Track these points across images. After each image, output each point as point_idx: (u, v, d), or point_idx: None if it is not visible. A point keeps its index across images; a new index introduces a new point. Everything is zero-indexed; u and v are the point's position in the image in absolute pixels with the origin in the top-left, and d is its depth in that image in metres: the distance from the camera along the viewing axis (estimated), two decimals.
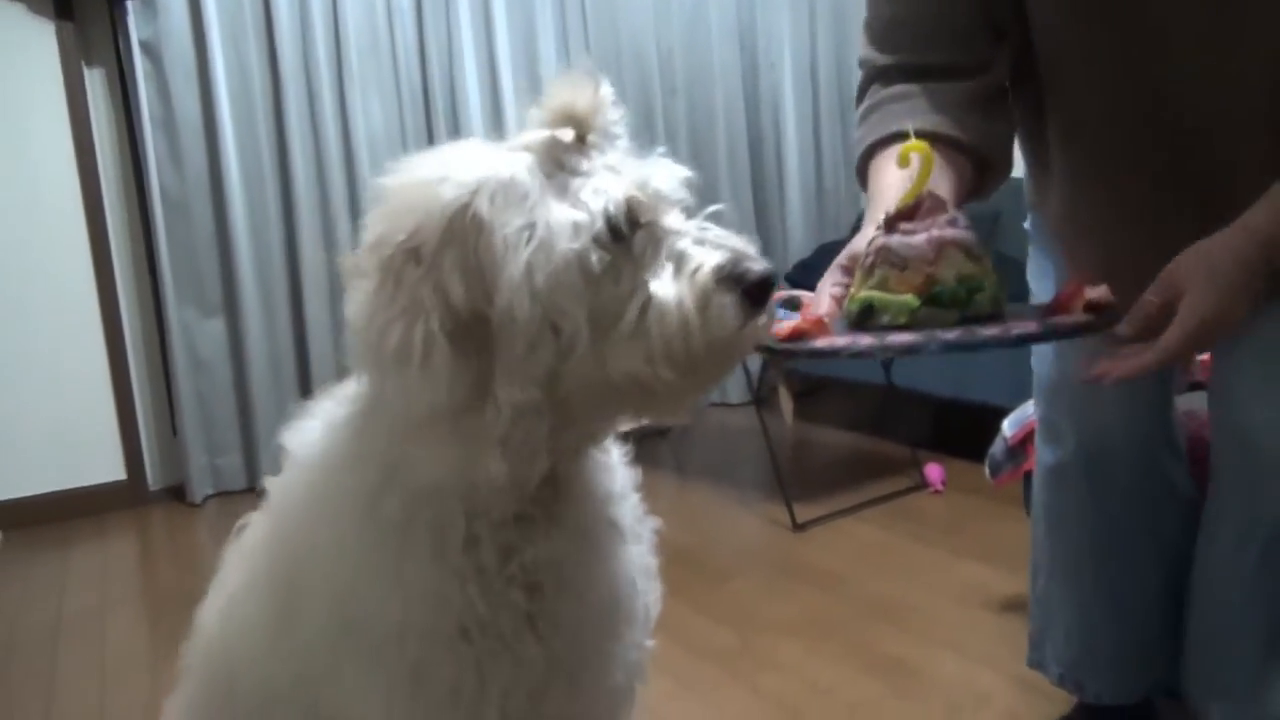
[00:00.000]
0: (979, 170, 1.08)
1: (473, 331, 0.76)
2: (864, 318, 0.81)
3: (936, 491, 2.86)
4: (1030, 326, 0.77)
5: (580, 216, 0.75)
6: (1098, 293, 0.81)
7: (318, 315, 3.47)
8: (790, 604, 2.23)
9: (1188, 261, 0.87)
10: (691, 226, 0.80)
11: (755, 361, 3.53)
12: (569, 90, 0.80)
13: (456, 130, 3.64)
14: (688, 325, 0.75)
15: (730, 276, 0.75)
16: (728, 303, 0.75)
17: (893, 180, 0.98)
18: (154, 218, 3.27)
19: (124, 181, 3.39)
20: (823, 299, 0.91)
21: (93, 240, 3.30)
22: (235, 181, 3.33)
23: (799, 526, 2.70)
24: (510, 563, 0.86)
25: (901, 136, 0.98)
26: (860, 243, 0.94)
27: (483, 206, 0.75)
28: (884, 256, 0.81)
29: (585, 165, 0.79)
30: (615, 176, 0.79)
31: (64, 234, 3.27)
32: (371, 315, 0.78)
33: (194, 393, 3.35)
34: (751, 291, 0.75)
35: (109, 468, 3.38)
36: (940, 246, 0.78)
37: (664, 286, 0.75)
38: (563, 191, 0.77)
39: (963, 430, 3.06)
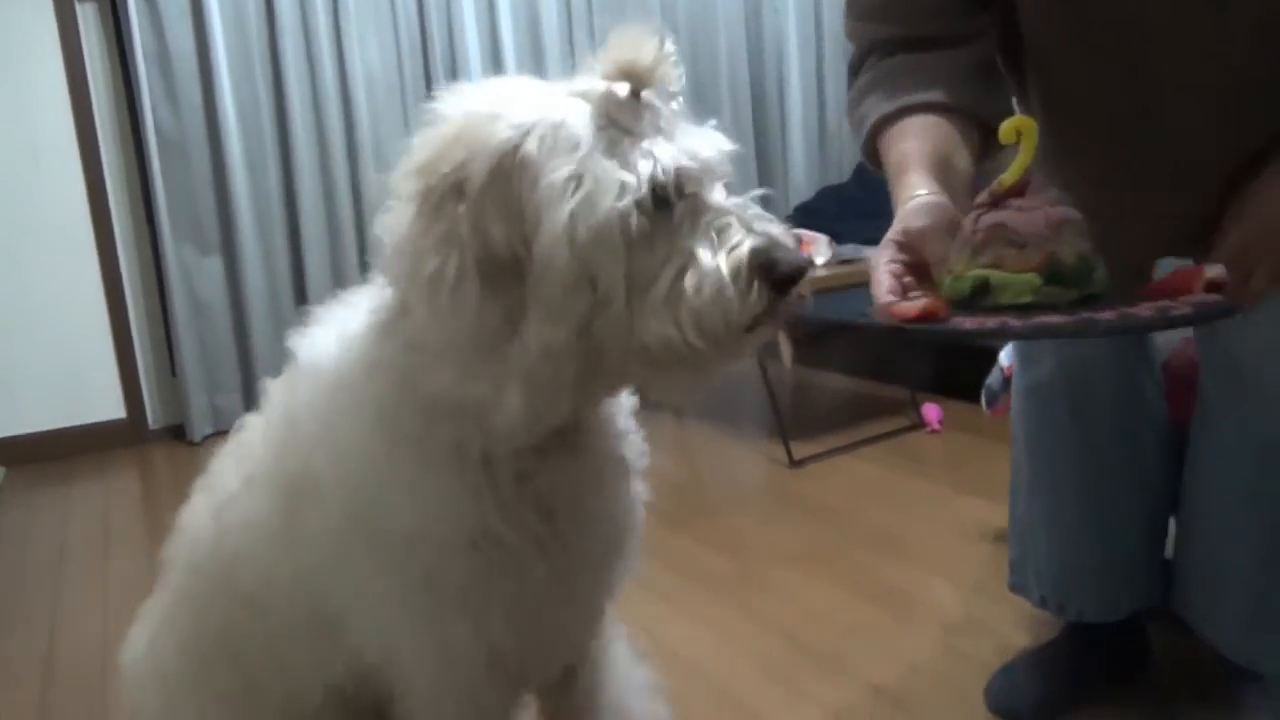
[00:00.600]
0: (984, 137, 1.06)
1: (507, 270, 0.77)
2: (978, 296, 0.79)
3: (934, 431, 2.87)
4: (1182, 309, 0.74)
5: (628, 177, 0.75)
6: (1216, 271, 0.79)
7: (316, 255, 3.46)
8: (787, 535, 2.25)
9: (1258, 218, 0.88)
10: (734, 204, 0.80)
11: None
12: (632, 44, 0.79)
13: (454, 72, 3.60)
14: (721, 298, 0.75)
15: (764, 264, 0.76)
16: (758, 286, 0.76)
17: (913, 151, 0.99)
18: (149, 156, 3.25)
19: (118, 119, 3.36)
20: (882, 278, 0.88)
21: (88, 178, 3.28)
22: (231, 120, 3.30)
23: (796, 463, 2.71)
24: (525, 485, 0.90)
25: (911, 110, 1.00)
26: (912, 220, 0.91)
27: (532, 149, 0.75)
28: (999, 234, 0.78)
29: (638, 124, 0.78)
30: (666, 142, 0.78)
31: (59, 172, 3.25)
32: (408, 239, 0.79)
33: (193, 332, 3.35)
34: (780, 281, 0.77)
35: (109, 406, 3.39)
36: (1059, 225, 0.77)
37: (703, 258, 0.76)
38: (613, 148, 0.77)
39: (961, 373, 3.06)
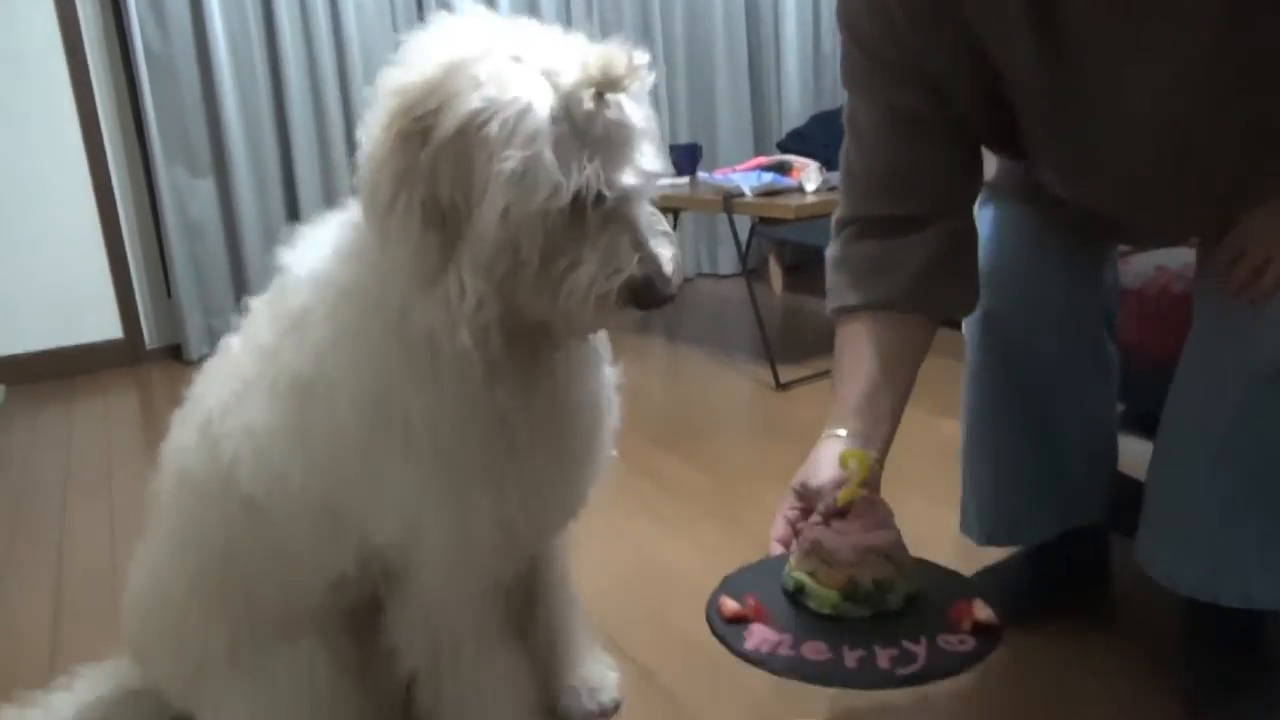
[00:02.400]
0: (946, 320, 1.20)
1: (446, 218, 0.89)
2: (797, 594, 0.94)
3: None
4: (918, 659, 0.85)
5: (560, 181, 0.86)
6: (985, 614, 0.89)
7: (308, 176, 3.46)
8: (771, 454, 2.32)
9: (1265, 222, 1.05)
10: (642, 222, 0.94)
11: (744, 234, 3.55)
12: (607, 60, 0.88)
13: None
14: (584, 306, 0.92)
15: (631, 294, 0.92)
16: (620, 306, 0.92)
17: (850, 373, 1.14)
18: (139, 77, 3.22)
19: (107, 41, 3.32)
20: (779, 523, 1.05)
21: (79, 100, 3.27)
22: (220, 40, 3.27)
23: (782, 386, 2.77)
24: (527, 374, 1.01)
25: (871, 307, 1.15)
26: (812, 475, 1.06)
27: (493, 130, 0.85)
28: (815, 549, 0.93)
29: (591, 126, 0.88)
30: (604, 160, 0.89)
31: (50, 94, 3.23)
32: (370, 163, 0.90)
33: (187, 253, 3.37)
34: (643, 304, 0.93)
35: (106, 326, 3.43)
36: (863, 553, 0.90)
37: (584, 271, 0.90)
38: (560, 146, 0.87)
39: None
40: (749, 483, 2.15)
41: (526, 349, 1.00)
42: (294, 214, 3.48)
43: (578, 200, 0.88)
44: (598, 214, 0.90)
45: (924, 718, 1.32)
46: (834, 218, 1.23)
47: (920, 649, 0.86)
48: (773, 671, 0.87)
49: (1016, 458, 1.45)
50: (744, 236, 3.49)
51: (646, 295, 0.93)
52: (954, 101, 1.12)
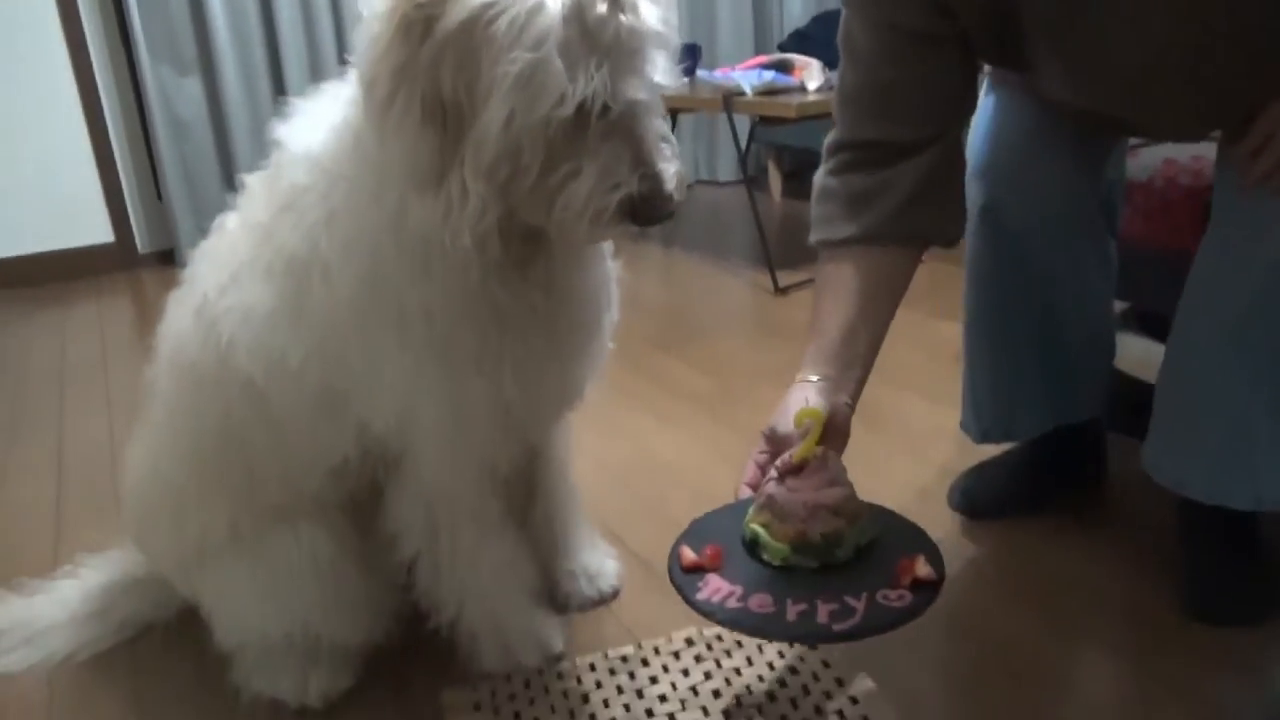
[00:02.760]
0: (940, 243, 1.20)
1: (447, 117, 0.85)
2: (754, 545, 0.98)
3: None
4: (855, 614, 0.89)
5: (567, 90, 0.82)
6: (926, 571, 0.92)
7: (297, 73, 3.37)
8: (768, 355, 2.32)
9: None
10: (647, 135, 0.90)
11: (744, 139, 3.49)
12: None
13: None
14: (580, 219, 0.89)
15: (630, 210, 0.89)
16: (617, 222, 0.89)
17: (830, 313, 1.13)
18: None
19: None
20: (749, 466, 1.06)
21: None
22: None
23: (781, 290, 2.76)
24: (526, 267, 0.99)
25: (855, 240, 1.14)
26: (782, 423, 1.06)
27: (501, 28, 0.81)
28: (769, 504, 0.97)
29: (602, 34, 0.84)
30: (612, 69, 0.85)
31: None
32: (369, 53, 0.86)
33: (176, 155, 3.31)
34: (640, 218, 0.90)
35: (98, 230, 3.38)
36: (813, 509, 0.93)
37: (583, 183, 0.87)
38: (568, 52, 0.83)
39: None
40: (747, 381, 2.16)
41: (525, 247, 0.98)
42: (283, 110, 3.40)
43: (582, 110, 0.84)
44: (601, 124, 0.87)
45: None
46: (825, 141, 1.20)
47: (859, 604, 0.90)
48: (719, 623, 0.91)
49: (1013, 351, 1.45)
50: (744, 141, 3.43)
51: (645, 212, 0.90)
52: (957, 16, 1.09)
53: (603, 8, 0.83)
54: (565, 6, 0.82)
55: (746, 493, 1.04)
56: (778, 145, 3.88)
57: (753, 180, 3.51)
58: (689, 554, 0.97)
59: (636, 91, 0.88)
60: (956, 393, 1.57)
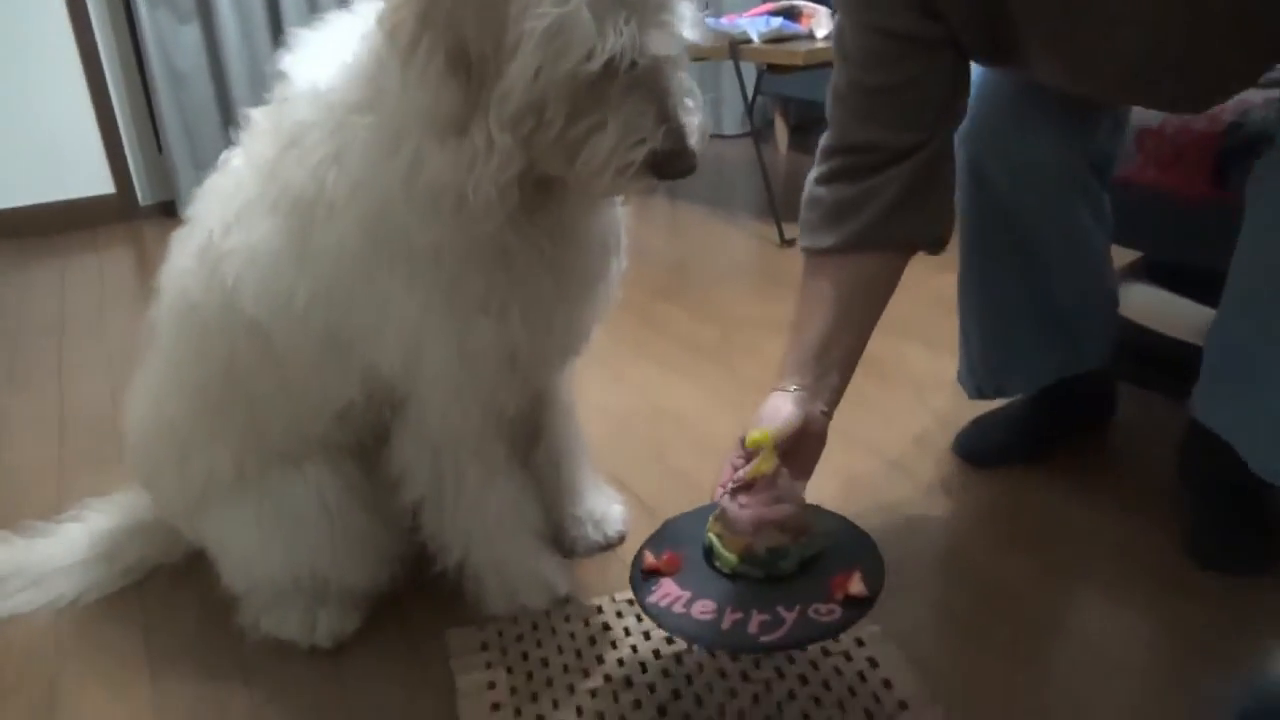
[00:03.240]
0: (926, 247, 1.19)
1: (472, 67, 0.84)
2: (709, 552, 1.04)
3: None
4: (784, 626, 0.94)
5: (596, 45, 0.82)
6: (858, 588, 0.96)
7: (295, 18, 3.32)
8: (773, 306, 2.30)
9: None
10: (672, 87, 0.89)
11: (750, 92, 3.44)
12: None
13: None
14: (604, 172, 0.89)
15: (654, 164, 0.89)
16: (639, 176, 0.90)
17: (808, 322, 1.13)
18: None
19: None
20: (724, 469, 1.07)
21: None
22: None
23: (786, 242, 2.74)
24: (536, 213, 0.98)
25: (838, 249, 1.14)
26: (759, 425, 1.06)
27: None
28: (722, 516, 1.03)
29: None
30: (641, 25, 0.84)
31: None
32: (394, 1, 0.84)
33: (175, 105, 3.27)
34: (663, 173, 0.90)
35: (97, 182, 3.35)
36: (759, 525, 0.99)
37: (608, 137, 0.87)
38: (598, 6, 0.81)
39: None
40: (751, 332, 2.15)
41: (537, 193, 0.97)
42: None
43: (609, 64, 0.84)
44: (627, 78, 0.86)
45: (921, 542, 1.34)
46: (819, 145, 1.19)
47: (791, 616, 0.95)
48: (661, 626, 0.98)
49: (1004, 309, 1.44)
50: (750, 92, 3.38)
51: (668, 167, 0.90)
52: (946, 19, 1.08)
53: None
54: None
55: (720, 494, 1.06)
56: (784, 97, 3.82)
57: (759, 134, 3.47)
58: (649, 558, 1.05)
59: (663, 47, 0.87)
60: (954, 341, 1.56)
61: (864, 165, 1.14)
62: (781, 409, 1.07)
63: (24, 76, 3.16)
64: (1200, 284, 1.54)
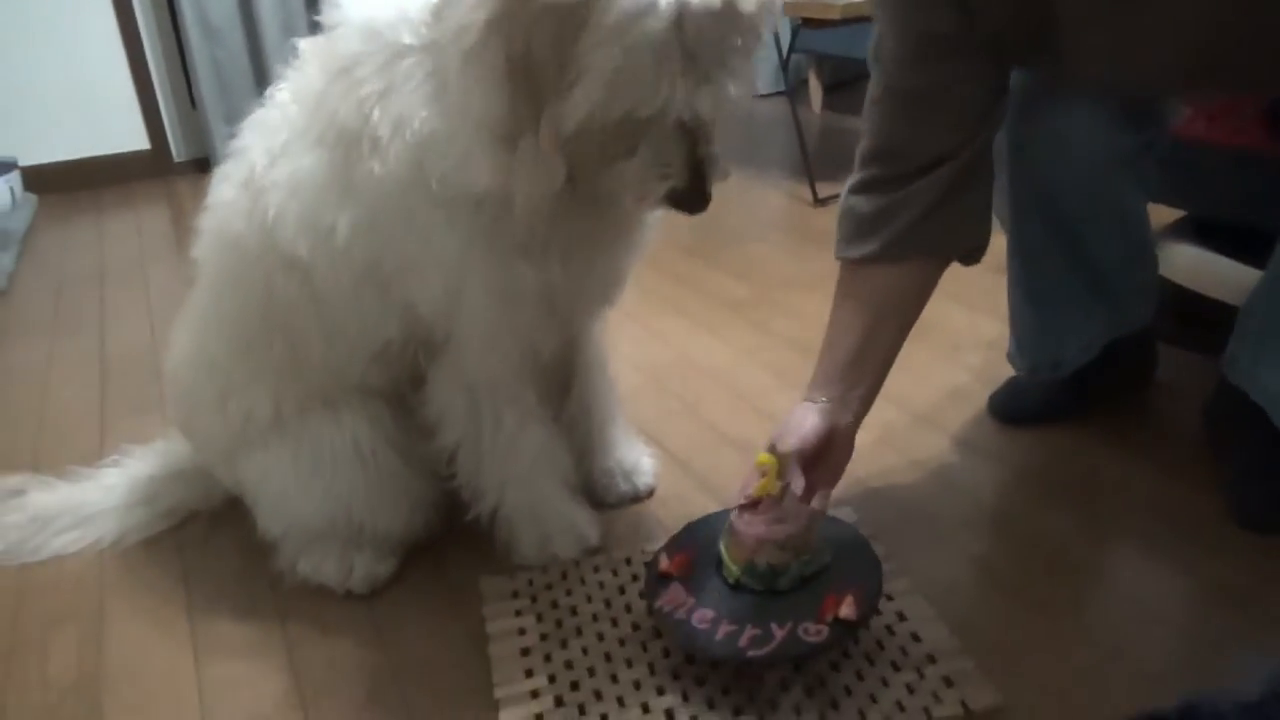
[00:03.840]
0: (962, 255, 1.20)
1: (532, 80, 0.84)
2: (719, 560, 1.08)
3: None
4: (772, 642, 0.99)
5: (653, 98, 0.85)
6: (847, 611, 1.00)
7: None
8: (806, 264, 2.28)
9: None
10: (702, 135, 0.91)
11: (785, 49, 3.39)
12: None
13: None
14: (626, 198, 0.96)
15: (674, 198, 0.94)
16: (658, 205, 0.96)
17: (840, 335, 1.15)
18: None
19: None
20: (749, 475, 1.08)
21: None
22: None
23: (820, 201, 2.71)
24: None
25: (871, 258, 1.15)
26: (782, 442, 1.08)
27: (609, 19, 0.80)
28: (729, 530, 1.07)
29: (700, 49, 0.84)
30: (694, 85, 0.86)
31: None
32: (466, 2, 0.84)
33: (208, 60, 3.28)
34: (679, 207, 0.95)
35: (133, 138, 3.38)
36: (760, 542, 1.03)
37: (637, 165, 0.91)
38: (665, 59, 0.83)
39: None
40: (783, 290, 2.13)
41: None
42: (314, 15, 3.34)
43: (661, 111, 0.86)
44: (668, 121, 0.89)
45: (955, 497, 1.34)
46: (858, 150, 1.18)
47: (781, 633, 1.00)
48: (662, 631, 1.06)
49: (1052, 288, 1.41)
50: (785, 50, 3.33)
51: (684, 203, 0.94)
52: (985, 17, 1.06)
53: (710, 22, 0.83)
54: (674, 14, 0.81)
55: (742, 500, 1.09)
56: (819, 54, 3.76)
57: (793, 93, 3.42)
58: (664, 561, 1.10)
59: (711, 109, 0.89)
60: (997, 304, 1.54)
61: (898, 174, 1.14)
62: (805, 421, 1.10)
63: (61, 34, 3.17)
64: (1244, 244, 1.51)
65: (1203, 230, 1.75)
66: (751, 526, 1.04)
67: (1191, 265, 1.69)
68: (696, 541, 1.12)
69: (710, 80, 0.87)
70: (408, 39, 0.95)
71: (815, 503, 1.07)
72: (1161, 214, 1.50)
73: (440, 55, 0.92)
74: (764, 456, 1.07)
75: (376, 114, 0.95)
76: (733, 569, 1.05)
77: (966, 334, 1.83)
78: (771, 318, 1.99)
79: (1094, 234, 1.35)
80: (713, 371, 1.78)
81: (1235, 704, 0.44)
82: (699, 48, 0.84)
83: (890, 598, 1.13)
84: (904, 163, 1.13)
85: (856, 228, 1.17)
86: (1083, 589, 1.17)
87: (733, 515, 1.07)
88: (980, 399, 1.59)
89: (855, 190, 1.18)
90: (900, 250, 1.14)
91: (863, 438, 1.16)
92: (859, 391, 1.14)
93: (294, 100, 1.04)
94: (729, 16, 0.84)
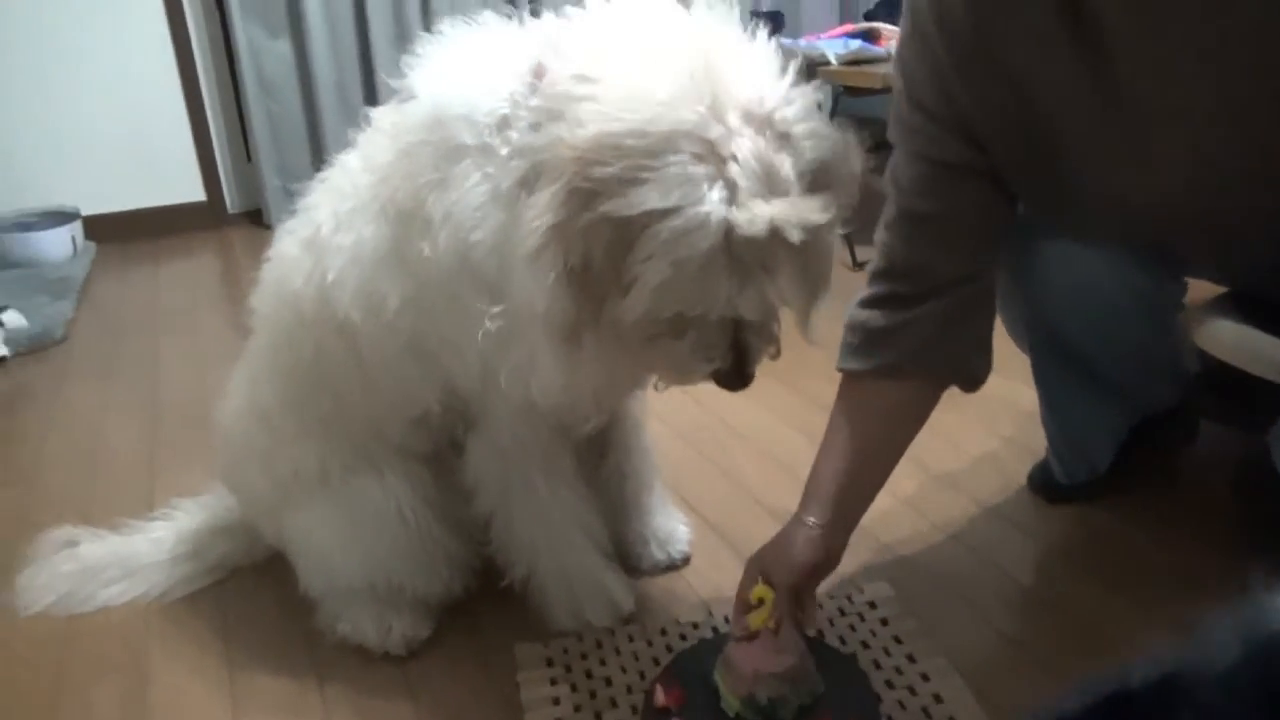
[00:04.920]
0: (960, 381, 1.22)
1: (589, 286, 0.88)
2: (715, 692, 1.08)
3: None
4: None
5: (697, 303, 0.88)
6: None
7: (382, 36, 3.41)
8: (841, 328, 2.29)
9: None
10: (752, 323, 0.93)
11: (827, 114, 3.43)
12: (799, 212, 0.85)
13: None
14: (668, 372, 1.01)
15: (717, 377, 0.97)
16: (700, 381, 0.99)
17: (832, 459, 1.16)
18: None
19: None
20: (737, 602, 1.11)
21: None
22: None
23: (858, 264, 2.72)
24: None
25: (872, 374, 1.18)
26: (777, 565, 1.09)
27: (662, 235, 0.83)
28: (725, 662, 1.07)
29: (749, 257, 0.86)
30: (753, 285, 0.88)
31: None
32: (535, 207, 0.87)
33: (265, 116, 3.39)
34: (720, 384, 0.98)
35: (190, 189, 3.49)
36: (759, 675, 1.03)
37: (683, 348, 0.94)
38: (712, 271, 0.86)
39: None
40: (822, 353, 2.12)
41: None
42: (368, 76, 3.45)
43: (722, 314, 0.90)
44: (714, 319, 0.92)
45: (983, 570, 1.33)
46: (869, 269, 1.22)
47: None
48: None
49: (1074, 403, 1.42)
50: (827, 113, 3.38)
51: (726, 383, 0.98)
52: (993, 151, 1.10)
53: (760, 233, 0.83)
54: (724, 229, 0.83)
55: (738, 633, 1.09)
56: (861, 118, 3.79)
57: None
58: (660, 694, 1.09)
59: (755, 313, 0.91)
60: (1029, 372, 1.54)
61: (907, 294, 1.16)
62: (799, 552, 1.10)
63: (124, 89, 3.30)
64: None
65: (1243, 305, 1.74)
66: (749, 659, 1.04)
67: (1233, 341, 1.67)
68: (689, 673, 1.11)
69: (755, 283, 0.88)
70: (468, 139, 0.97)
71: (805, 609, 1.09)
72: (1201, 286, 1.50)
73: (498, 166, 0.96)
74: (759, 589, 1.07)
75: (431, 200, 0.99)
76: (732, 702, 1.05)
77: (1002, 402, 1.83)
78: (806, 380, 1.99)
79: (1110, 364, 1.34)
80: (750, 435, 1.79)
81: (1216, 673, 0.42)
82: (747, 254, 0.86)
83: (927, 677, 1.12)
84: (916, 282, 1.15)
85: (862, 342, 1.19)
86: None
87: (729, 647, 1.07)
88: (1014, 469, 1.58)
89: (866, 305, 1.20)
90: (901, 369, 1.16)
91: (893, 503, 1.18)
92: (851, 516, 1.16)
93: (363, 168, 1.08)
94: (776, 235, 0.85)
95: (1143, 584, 1.30)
